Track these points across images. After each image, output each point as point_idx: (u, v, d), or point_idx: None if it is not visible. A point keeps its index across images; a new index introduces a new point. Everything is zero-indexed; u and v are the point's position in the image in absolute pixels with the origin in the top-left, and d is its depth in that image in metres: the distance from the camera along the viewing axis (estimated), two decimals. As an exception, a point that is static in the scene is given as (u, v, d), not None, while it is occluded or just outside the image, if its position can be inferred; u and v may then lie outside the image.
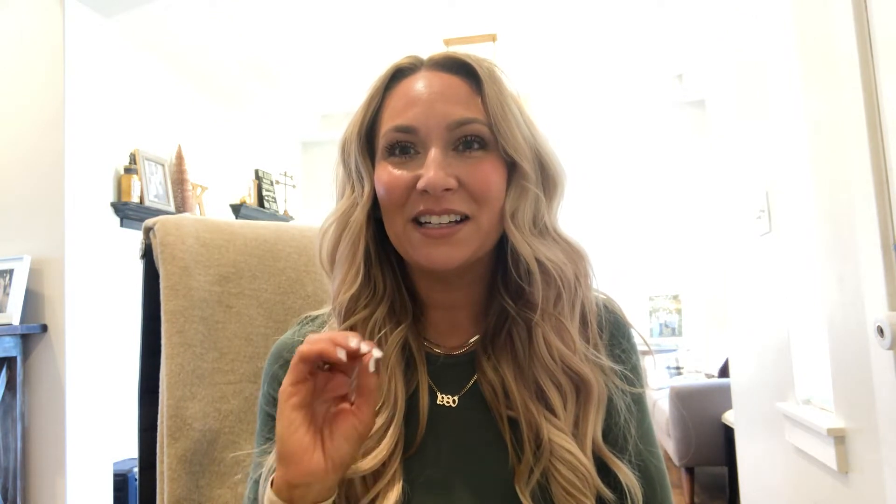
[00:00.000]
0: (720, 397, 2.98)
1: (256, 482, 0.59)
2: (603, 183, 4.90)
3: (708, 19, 2.21)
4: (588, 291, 0.62)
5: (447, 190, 0.54)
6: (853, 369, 1.20)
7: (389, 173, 0.57)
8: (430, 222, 0.55)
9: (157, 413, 0.77)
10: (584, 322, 0.61)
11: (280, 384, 0.59)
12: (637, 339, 0.65)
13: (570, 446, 0.55)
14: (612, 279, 4.82)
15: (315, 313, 0.67)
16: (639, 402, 0.62)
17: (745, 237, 1.88)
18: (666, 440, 3.39)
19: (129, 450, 2.68)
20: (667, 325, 4.85)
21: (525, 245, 0.57)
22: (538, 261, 0.57)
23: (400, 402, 0.58)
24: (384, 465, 0.55)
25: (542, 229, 0.59)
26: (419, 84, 0.58)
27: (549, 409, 0.57)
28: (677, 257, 4.82)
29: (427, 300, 0.63)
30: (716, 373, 3.75)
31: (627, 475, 0.57)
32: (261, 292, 0.82)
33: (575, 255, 0.60)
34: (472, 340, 0.63)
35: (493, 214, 0.57)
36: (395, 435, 0.56)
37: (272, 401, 0.61)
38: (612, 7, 3.10)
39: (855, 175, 1.05)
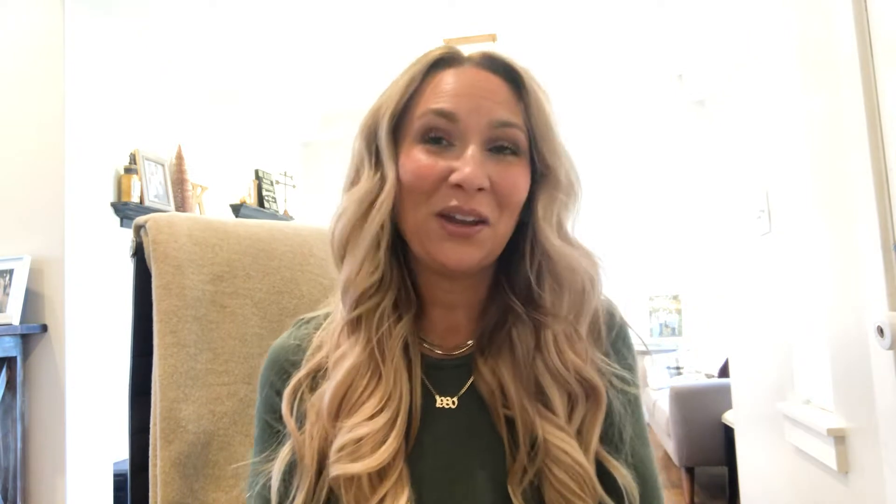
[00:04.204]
0: (720, 397, 2.98)
1: (261, 494, 0.57)
2: (603, 183, 4.90)
3: (708, 19, 2.21)
4: (599, 297, 0.61)
5: (480, 189, 0.53)
6: (853, 369, 1.20)
7: (421, 160, 0.54)
8: (454, 218, 0.54)
9: (149, 415, 0.74)
10: (592, 326, 0.60)
11: (277, 393, 0.59)
12: (635, 340, 0.65)
13: (567, 447, 0.54)
14: (612, 279, 4.83)
15: (310, 315, 0.65)
16: (635, 402, 0.62)
17: (745, 237, 1.88)
18: (666, 440, 3.39)
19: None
20: (667, 325, 4.85)
21: (554, 247, 0.57)
22: (563, 264, 0.57)
23: (404, 402, 0.56)
24: (389, 465, 0.53)
25: (564, 236, 0.59)
26: (464, 76, 0.57)
27: (548, 408, 0.56)
28: (677, 257, 4.82)
29: (428, 297, 0.61)
30: (716, 373, 3.75)
31: (625, 476, 0.56)
32: (255, 292, 0.80)
33: (589, 261, 0.59)
34: (468, 342, 0.61)
35: (511, 220, 0.57)
36: (398, 436, 0.54)
37: (270, 408, 0.60)
38: (611, 7, 3.10)
39: (855, 175, 1.05)
